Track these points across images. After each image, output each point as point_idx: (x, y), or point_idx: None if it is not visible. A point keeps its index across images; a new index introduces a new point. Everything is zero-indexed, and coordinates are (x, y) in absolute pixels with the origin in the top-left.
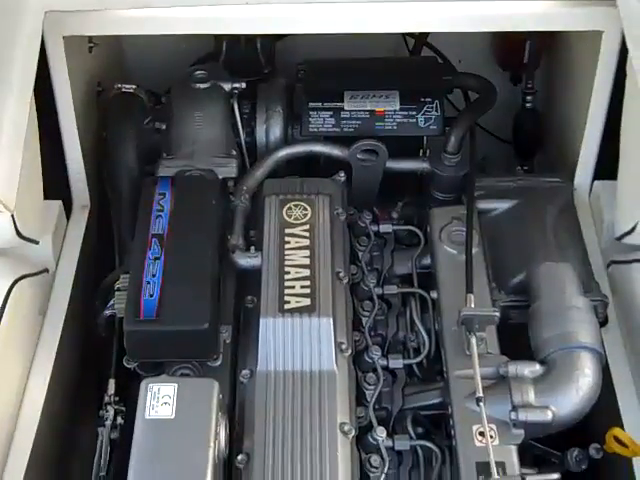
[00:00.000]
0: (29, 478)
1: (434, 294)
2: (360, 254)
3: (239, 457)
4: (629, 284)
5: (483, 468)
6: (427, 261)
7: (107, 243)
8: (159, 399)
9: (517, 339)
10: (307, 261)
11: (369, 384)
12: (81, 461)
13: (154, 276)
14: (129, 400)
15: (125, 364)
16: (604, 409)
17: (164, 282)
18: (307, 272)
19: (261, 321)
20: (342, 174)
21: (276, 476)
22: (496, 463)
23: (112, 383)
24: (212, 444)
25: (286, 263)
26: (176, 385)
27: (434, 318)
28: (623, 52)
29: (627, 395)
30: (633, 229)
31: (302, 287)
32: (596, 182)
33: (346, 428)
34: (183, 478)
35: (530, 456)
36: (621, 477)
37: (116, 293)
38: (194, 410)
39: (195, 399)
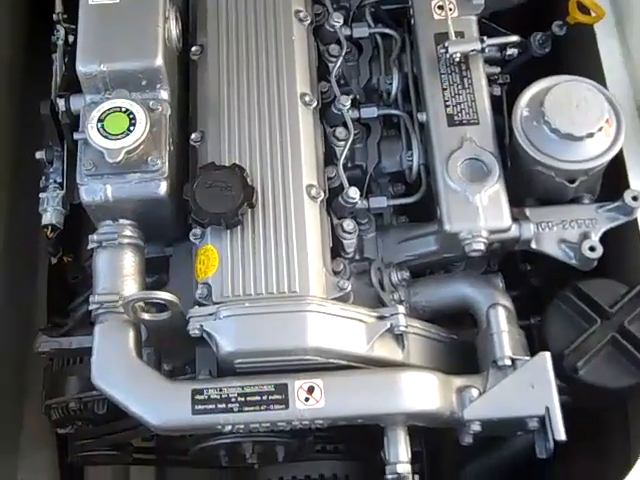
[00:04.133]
0: None
1: None
2: None
3: (193, 48)
4: None
5: (441, 38)
6: None
7: None
8: None
9: None
10: None
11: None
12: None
13: None
14: None
15: None
16: None
17: None
18: None
19: None
20: None
21: (231, 65)
22: (455, 33)
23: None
24: (160, 24)
25: None
26: None
27: None
28: None
29: None
30: None
31: None
32: None
33: None
34: (134, 58)
35: None
36: None
37: None
38: None
39: None
